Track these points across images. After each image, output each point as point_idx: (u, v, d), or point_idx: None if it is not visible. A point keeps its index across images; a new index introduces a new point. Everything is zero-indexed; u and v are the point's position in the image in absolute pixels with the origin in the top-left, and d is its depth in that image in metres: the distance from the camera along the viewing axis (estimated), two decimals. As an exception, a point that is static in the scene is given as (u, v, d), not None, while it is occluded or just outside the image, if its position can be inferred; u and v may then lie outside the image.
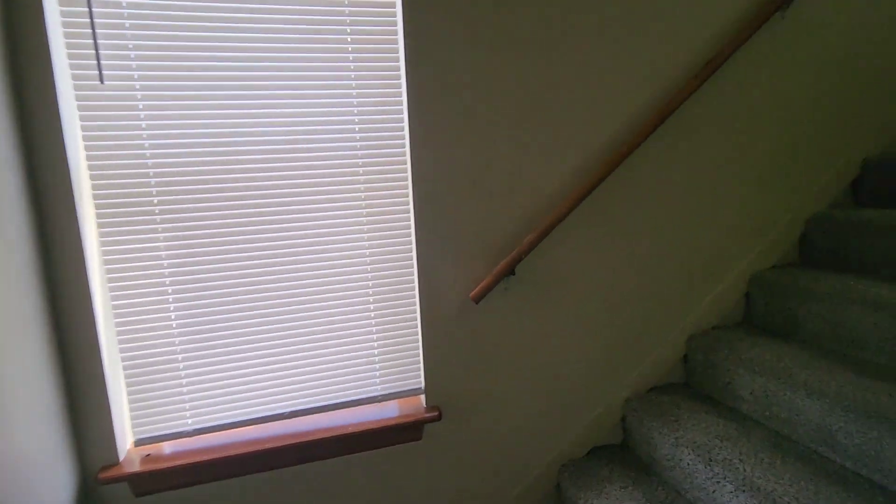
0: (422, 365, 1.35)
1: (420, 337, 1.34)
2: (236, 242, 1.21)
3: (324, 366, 1.30)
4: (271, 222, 1.22)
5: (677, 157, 1.48)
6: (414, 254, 1.31)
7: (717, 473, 1.14)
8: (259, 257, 1.23)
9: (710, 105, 1.49)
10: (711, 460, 1.17)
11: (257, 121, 1.18)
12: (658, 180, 1.47)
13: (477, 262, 1.33)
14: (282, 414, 1.29)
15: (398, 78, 1.25)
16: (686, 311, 1.56)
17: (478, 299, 1.27)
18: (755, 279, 1.58)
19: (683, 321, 1.56)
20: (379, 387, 1.35)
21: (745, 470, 1.12)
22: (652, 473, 1.37)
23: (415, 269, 1.32)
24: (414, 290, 1.34)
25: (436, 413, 1.32)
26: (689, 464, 1.22)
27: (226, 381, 1.24)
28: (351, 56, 1.21)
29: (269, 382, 1.27)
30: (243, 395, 1.26)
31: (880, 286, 1.28)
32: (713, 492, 1.14)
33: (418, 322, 1.35)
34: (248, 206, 1.20)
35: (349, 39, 1.21)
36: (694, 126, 1.48)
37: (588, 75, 1.36)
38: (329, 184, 1.24)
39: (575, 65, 1.34)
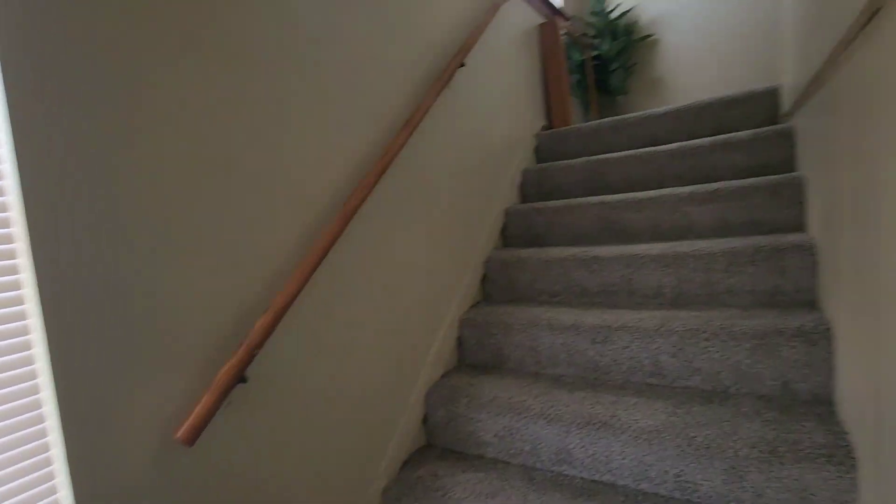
0: None
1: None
2: None
3: None
4: None
5: (379, 231, 1.41)
6: (48, 390, 0.69)
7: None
8: None
9: (406, 165, 1.51)
10: (497, 527, 1.09)
11: None
12: (375, 245, 1.36)
13: (179, 374, 0.82)
14: None
15: None
16: (417, 372, 1.49)
17: (192, 438, 0.77)
18: (464, 322, 1.69)
19: (418, 381, 1.48)
20: None
21: (527, 523, 1.09)
22: (431, 567, 1.18)
23: (49, 418, 0.69)
24: (49, 462, 0.70)
25: None
26: (475, 541, 1.10)
27: None
28: None
29: None
30: None
31: (559, 311, 1.57)
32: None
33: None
34: None
35: None
36: (390, 188, 1.46)
37: (313, 116, 1.11)
38: None
39: (298, 112, 1.07)
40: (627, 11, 3.29)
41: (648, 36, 3.27)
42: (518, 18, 2.44)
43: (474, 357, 1.67)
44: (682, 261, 1.49)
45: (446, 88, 1.69)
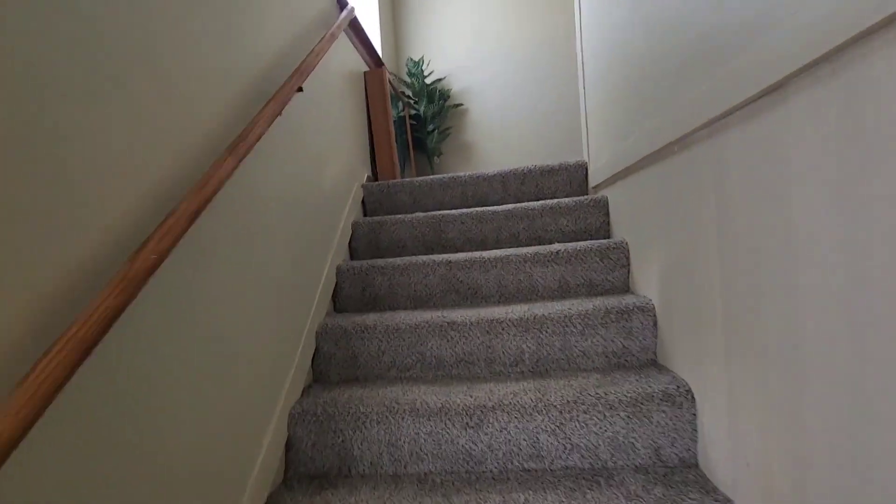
0: None
1: None
2: None
3: None
4: None
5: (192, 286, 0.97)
6: None
7: None
8: None
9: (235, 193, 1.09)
10: None
11: None
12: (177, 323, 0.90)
13: None
14: None
15: None
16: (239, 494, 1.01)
17: None
18: (296, 417, 1.26)
19: (235, 519, 1.00)
20: None
21: None
22: None
23: None
24: None
25: None
26: None
27: None
28: None
29: None
30: None
31: (418, 390, 1.31)
32: None
33: None
34: None
35: None
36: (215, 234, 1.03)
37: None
38: None
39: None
40: (441, 79, 3.47)
41: (459, 105, 3.50)
42: (348, 58, 2.25)
43: (311, 465, 1.25)
44: (541, 325, 1.43)
45: (281, 116, 1.34)
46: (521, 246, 1.92)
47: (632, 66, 1.46)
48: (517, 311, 1.47)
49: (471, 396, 1.25)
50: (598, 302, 1.47)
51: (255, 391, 1.13)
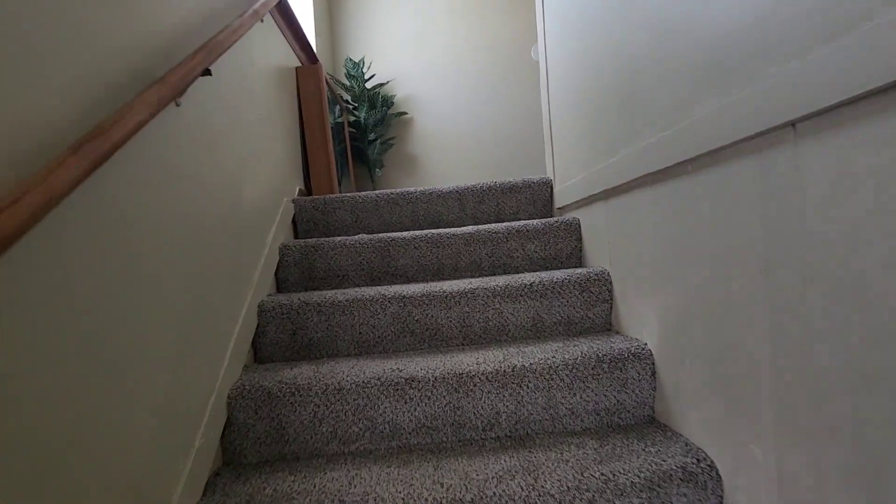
0: None
1: None
2: None
3: None
4: None
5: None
6: None
7: None
8: None
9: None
10: None
11: None
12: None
13: None
14: None
15: None
16: None
17: None
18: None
19: None
20: None
21: None
22: None
23: None
24: None
25: None
26: None
27: None
28: None
29: None
30: None
31: (377, 476, 0.97)
32: None
33: None
34: None
35: None
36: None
37: None
38: None
39: None
40: (384, 84, 3.16)
41: (404, 113, 3.21)
42: (277, 50, 1.89)
43: None
44: (520, 378, 1.16)
45: (178, 107, 0.98)
46: (485, 274, 1.66)
47: (618, 73, 1.26)
48: (490, 360, 1.19)
49: (440, 484, 0.94)
50: (585, 346, 1.23)
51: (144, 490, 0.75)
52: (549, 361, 1.17)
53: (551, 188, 1.93)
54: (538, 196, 1.93)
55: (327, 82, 2.43)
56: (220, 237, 1.21)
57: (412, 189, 1.92)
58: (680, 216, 1.01)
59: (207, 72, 1.02)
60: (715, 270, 0.89)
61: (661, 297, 1.11)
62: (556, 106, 1.85)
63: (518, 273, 1.63)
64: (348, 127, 3.00)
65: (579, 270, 1.46)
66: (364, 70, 3.10)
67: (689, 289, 0.99)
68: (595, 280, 1.42)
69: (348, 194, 1.91)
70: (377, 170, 3.18)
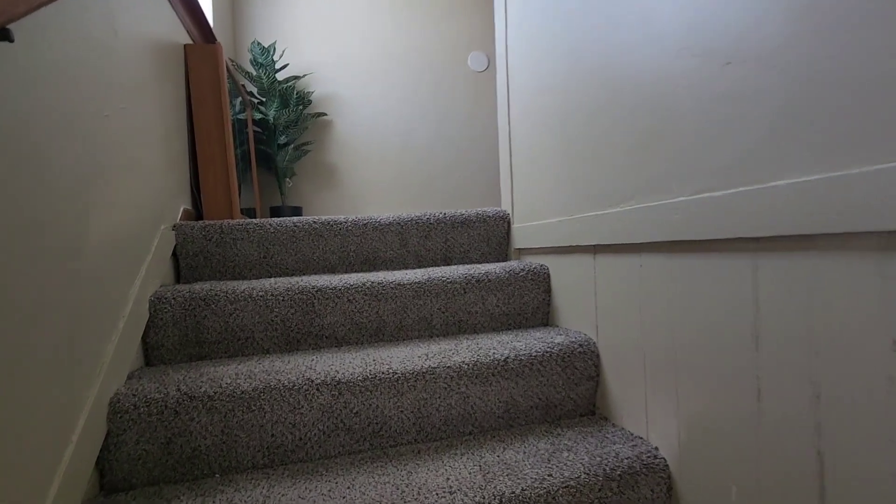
0: None
1: None
2: None
3: None
4: None
5: None
6: None
7: None
8: None
9: None
10: None
11: None
12: None
13: None
14: None
15: None
16: None
17: None
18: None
19: None
20: None
21: None
22: None
23: None
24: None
25: None
26: None
27: None
28: None
29: None
30: None
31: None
32: None
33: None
34: None
35: None
36: None
37: None
38: None
39: None
40: (299, 77, 2.66)
41: (323, 114, 2.74)
42: (155, 16, 1.39)
43: None
44: (509, 512, 0.84)
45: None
46: (436, 334, 1.32)
47: (631, 97, 1.01)
48: (462, 478, 0.86)
49: None
50: (583, 453, 0.95)
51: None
52: (545, 484, 0.87)
53: (509, 224, 1.65)
54: (493, 232, 1.64)
55: (228, 69, 1.92)
56: (36, 307, 0.73)
57: (341, 218, 1.52)
58: (729, 299, 0.76)
59: (5, 35, 0.56)
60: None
61: (688, 392, 0.87)
62: (520, 124, 1.57)
63: (476, 333, 1.32)
64: (253, 125, 2.47)
65: (558, 339, 1.19)
66: (275, 57, 2.58)
67: (736, 390, 0.75)
68: (579, 353, 1.16)
69: (254, 220, 1.45)
70: (287, 180, 2.67)
